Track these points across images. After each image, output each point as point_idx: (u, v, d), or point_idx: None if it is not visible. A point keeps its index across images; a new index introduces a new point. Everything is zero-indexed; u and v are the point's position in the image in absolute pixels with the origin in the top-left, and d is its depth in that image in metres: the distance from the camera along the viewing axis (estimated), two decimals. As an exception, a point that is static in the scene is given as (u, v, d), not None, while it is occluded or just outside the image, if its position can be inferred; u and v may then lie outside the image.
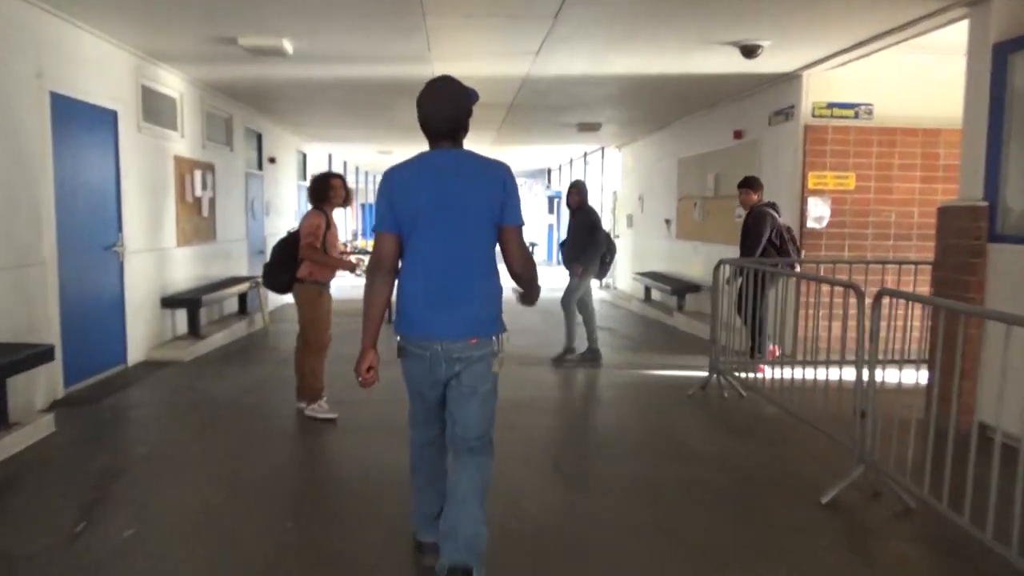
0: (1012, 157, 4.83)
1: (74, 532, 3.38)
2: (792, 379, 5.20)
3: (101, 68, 6.42)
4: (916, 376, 4.84)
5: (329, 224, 5.29)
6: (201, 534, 3.47)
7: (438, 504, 3.06)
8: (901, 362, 4.31)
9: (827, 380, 4.88)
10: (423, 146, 2.88)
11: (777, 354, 6.22)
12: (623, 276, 14.47)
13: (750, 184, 7.14)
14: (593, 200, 18.52)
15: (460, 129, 2.82)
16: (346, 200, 5.48)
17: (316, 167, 15.12)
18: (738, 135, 9.09)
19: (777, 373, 5.48)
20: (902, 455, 3.72)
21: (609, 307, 12.85)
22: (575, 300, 7.41)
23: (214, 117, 9.36)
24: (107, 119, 6.52)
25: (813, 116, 7.62)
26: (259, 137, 11.53)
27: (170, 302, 7.79)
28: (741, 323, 6.47)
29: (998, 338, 3.08)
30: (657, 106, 10.25)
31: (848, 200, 7.68)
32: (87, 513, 3.59)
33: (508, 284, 2.94)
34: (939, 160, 7.68)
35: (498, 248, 2.83)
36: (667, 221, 11.83)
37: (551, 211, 23.98)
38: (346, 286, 10.94)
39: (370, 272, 2.82)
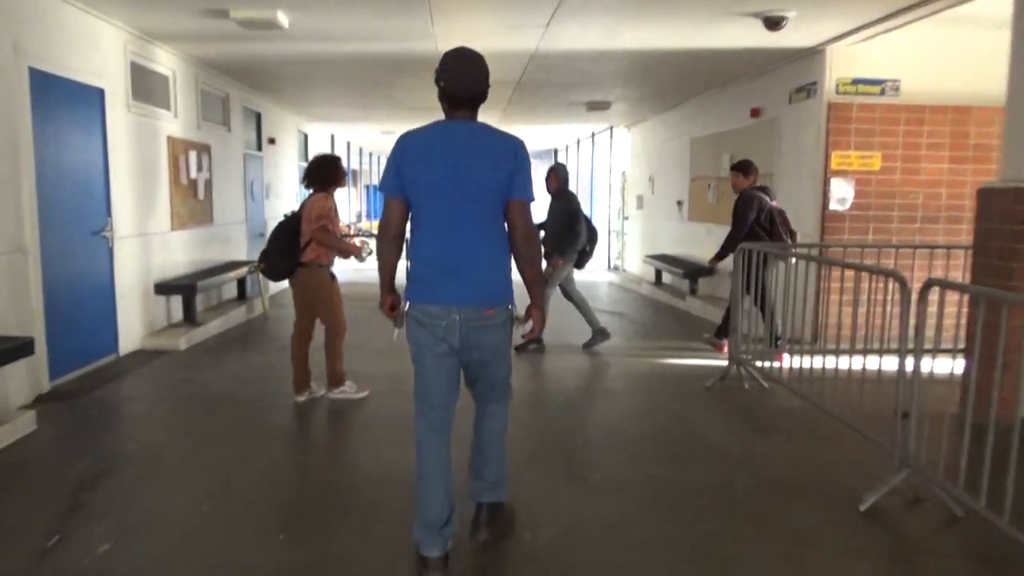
0: (1062, 134, 4.47)
1: (45, 548, 3.09)
2: (812, 368, 4.88)
3: (86, 43, 6.06)
4: (951, 366, 4.52)
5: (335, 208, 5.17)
6: (182, 550, 3.15)
7: (447, 509, 2.87)
8: (934, 351, 3.96)
9: (849, 370, 4.53)
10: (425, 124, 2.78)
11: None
12: (633, 258, 14.13)
13: (741, 168, 6.91)
14: (600, 181, 18.24)
15: (481, 98, 2.81)
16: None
17: (318, 148, 14.73)
18: (755, 113, 8.71)
19: (799, 363, 5.13)
20: (950, 460, 3.41)
21: (618, 290, 12.52)
22: (555, 288, 7.07)
23: (210, 96, 9.01)
24: (93, 97, 6.18)
25: (837, 93, 7.23)
26: (258, 117, 11.16)
27: (164, 288, 7.48)
28: (757, 311, 6.19)
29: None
30: (670, 83, 9.84)
31: (873, 181, 7.31)
32: (62, 524, 3.30)
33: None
34: (969, 139, 7.31)
35: None
36: (679, 203, 11.46)
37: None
38: (348, 269, 10.65)
39: (379, 237, 2.89)
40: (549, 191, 7.22)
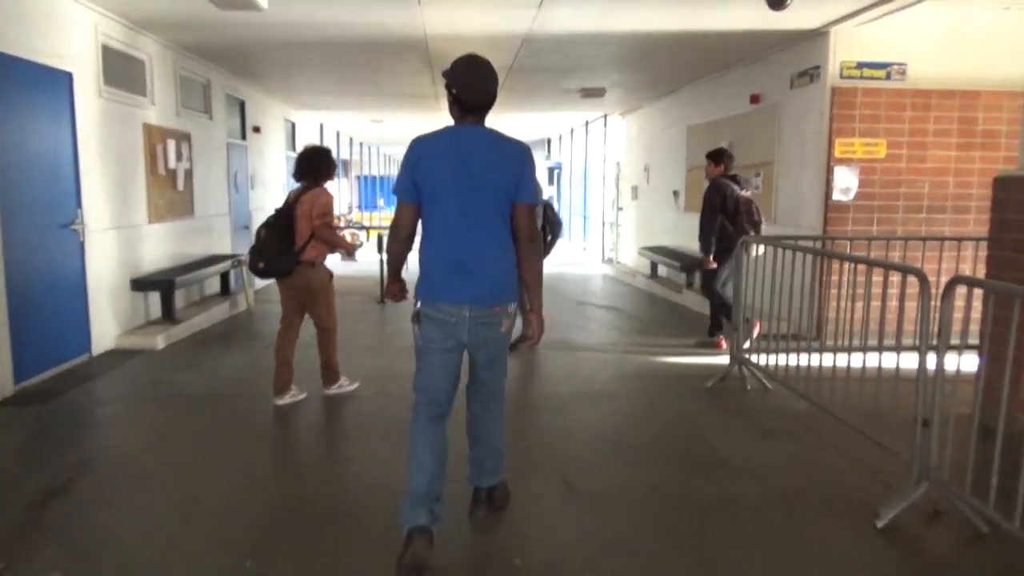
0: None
1: (-12, 576, 2.81)
2: (812, 367, 4.61)
3: (50, 24, 5.72)
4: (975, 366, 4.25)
5: None
6: None
7: (437, 483, 2.90)
8: (960, 348, 3.69)
9: (854, 368, 4.23)
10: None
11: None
12: (627, 250, 13.85)
13: (712, 156, 6.93)
14: (593, 171, 17.92)
15: (489, 106, 2.95)
16: None
17: (306, 137, 14.35)
18: (755, 99, 8.42)
19: (800, 360, 4.85)
20: (977, 473, 3.15)
21: (613, 283, 12.25)
22: None
23: (190, 82, 8.66)
24: (60, 81, 5.84)
25: (841, 77, 6.94)
26: (242, 105, 10.80)
27: (141, 284, 7.15)
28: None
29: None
30: (666, 69, 9.54)
31: (878, 169, 7.04)
32: (10, 548, 3.02)
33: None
34: (977, 125, 7.04)
35: None
36: (675, 193, 11.18)
37: (551, 182, 23.37)
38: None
39: (390, 238, 3.05)
40: None
